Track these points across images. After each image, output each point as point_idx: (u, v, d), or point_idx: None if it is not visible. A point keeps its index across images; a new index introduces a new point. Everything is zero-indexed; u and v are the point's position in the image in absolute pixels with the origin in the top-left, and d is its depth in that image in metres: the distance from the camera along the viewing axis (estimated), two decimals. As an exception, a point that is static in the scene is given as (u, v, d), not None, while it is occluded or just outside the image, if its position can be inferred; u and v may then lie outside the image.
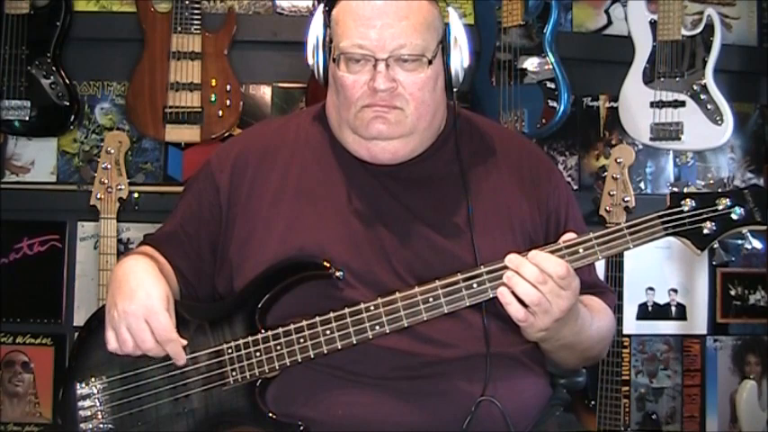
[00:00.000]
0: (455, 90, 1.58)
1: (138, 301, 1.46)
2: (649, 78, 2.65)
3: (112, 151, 2.59)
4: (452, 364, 1.48)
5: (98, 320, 1.54)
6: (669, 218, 1.42)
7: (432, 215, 1.56)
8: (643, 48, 2.67)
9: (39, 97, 2.63)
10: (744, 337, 2.94)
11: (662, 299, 2.90)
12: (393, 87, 1.49)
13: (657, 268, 2.88)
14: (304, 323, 1.47)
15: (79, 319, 2.73)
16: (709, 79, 2.59)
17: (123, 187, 2.59)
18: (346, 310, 1.45)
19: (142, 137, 2.76)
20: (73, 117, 2.69)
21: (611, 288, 1.91)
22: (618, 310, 2.49)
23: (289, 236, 1.54)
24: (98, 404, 1.53)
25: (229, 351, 1.50)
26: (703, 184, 2.92)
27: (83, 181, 2.75)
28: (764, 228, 1.42)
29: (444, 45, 1.54)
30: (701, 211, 1.42)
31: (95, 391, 1.53)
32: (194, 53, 2.64)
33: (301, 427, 1.47)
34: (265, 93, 2.82)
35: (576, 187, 2.86)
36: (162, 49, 2.64)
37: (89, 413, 1.53)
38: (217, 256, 1.62)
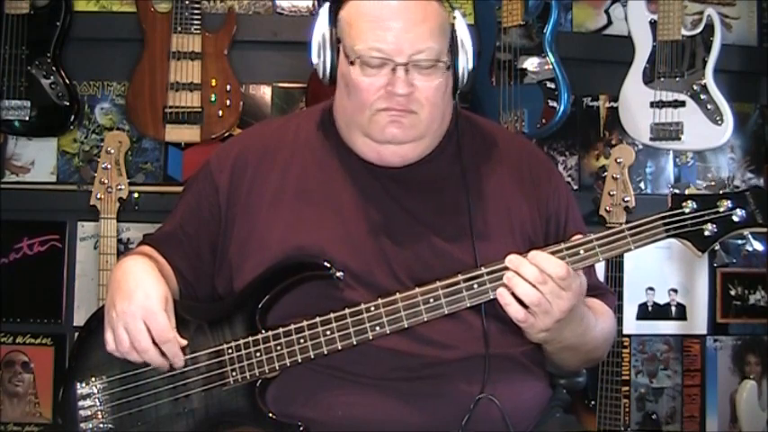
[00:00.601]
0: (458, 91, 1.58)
1: (137, 302, 1.46)
2: (649, 78, 2.65)
3: (112, 151, 2.59)
4: (452, 366, 1.48)
5: (98, 320, 1.54)
6: (670, 219, 1.42)
7: (432, 217, 1.56)
8: (643, 48, 2.67)
9: (39, 97, 2.63)
10: (744, 337, 2.94)
11: (662, 299, 2.90)
12: (411, 92, 1.48)
13: (657, 268, 2.88)
14: (304, 323, 1.47)
15: (79, 319, 2.72)
16: (709, 79, 2.59)
17: (123, 187, 2.59)
18: (346, 311, 1.45)
19: (142, 137, 2.76)
20: (73, 117, 2.69)
21: (611, 290, 1.91)
22: (618, 310, 2.48)
23: (288, 236, 1.53)
24: (98, 404, 1.53)
25: (229, 351, 1.50)
26: (703, 184, 2.92)
27: (83, 181, 2.75)
28: (765, 230, 1.42)
29: (453, 48, 1.54)
30: (703, 212, 1.42)
31: (95, 391, 1.53)
32: (194, 53, 2.64)
33: (301, 428, 1.47)
34: (265, 93, 2.82)
35: (576, 187, 2.86)
36: (162, 49, 2.64)
37: (89, 413, 1.53)
38: (216, 257, 1.62)
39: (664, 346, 2.91)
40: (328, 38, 1.53)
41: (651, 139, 2.65)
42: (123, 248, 2.69)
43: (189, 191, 1.70)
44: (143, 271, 1.52)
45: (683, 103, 2.61)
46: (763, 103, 2.93)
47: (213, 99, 2.65)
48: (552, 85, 2.62)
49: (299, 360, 1.47)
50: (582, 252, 1.42)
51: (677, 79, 2.61)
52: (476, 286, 1.43)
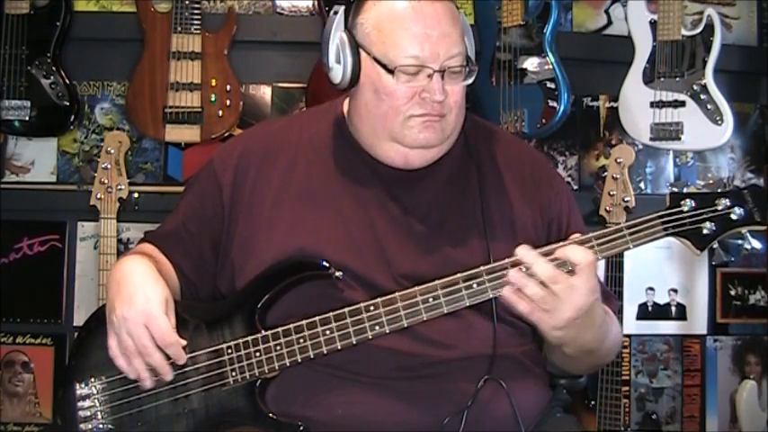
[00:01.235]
0: None
1: (137, 306, 1.46)
2: (649, 78, 2.65)
3: (112, 151, 2.59)
4: (452, 365, 1.48)
5: (97, 320, 1.54)
6: (669, 218, 1.42)
7: (434, 219, 1.56)
8: (643, 48, 2.67)
9: (39, 97, 2.63)
10: (744, 337, 2.94)
11: (662, 299, 2.90)
12: (446, 97, 1.49)
13: (657, 268, 2.88)
14: (304, 323, 1.47)
15: (79, 319, 2.72)
16: (709, 79, 2.59)
17: (123, 187, 2.59)
18: (346, 310, 1.45)
19: (142, 137, 2.76)
20: (73, 117, 2.69)
21: (613, 294, 1.92)
22: (618, 310, 2.49)
23: (289, 237, 1.53)
24: (98, 404, 1.53)
25: (229, 351, 1.49)
26: (703, 184, 2.91)
27: (83, 181, 2.75)
28: (764, 228, 1.42)
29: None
30: (701, 211, 1.42)
31: (95, 392, 1.53)
32: (194, 53, 2.64)
33: (301, 427, 1.47)
34: (265, 93, 2.82)
35: (576, 187, 2.86)
36: (162, 49, 2.64)
37: (89, 413, 1.52)
38: (219, 256, 1.62)
39: (664, 346, 2.91)
40: (347, 42, 1.51)
41: (651, 139, 2.65)
42: (123, 248, 2.69)
43: (191, 189, 1.69)
44: (142, 273, 1.52)
45: (683, 103, 2.61)
46: (763, 103, 2.93)
47: (213, 99, 2.66)
48: (552, 85, 2.62)
49: (299, 360, 1.47)
50: (581, 251, 1.41)
51: (677, 79, 2.61)
52: (475, 286, 1.42)
